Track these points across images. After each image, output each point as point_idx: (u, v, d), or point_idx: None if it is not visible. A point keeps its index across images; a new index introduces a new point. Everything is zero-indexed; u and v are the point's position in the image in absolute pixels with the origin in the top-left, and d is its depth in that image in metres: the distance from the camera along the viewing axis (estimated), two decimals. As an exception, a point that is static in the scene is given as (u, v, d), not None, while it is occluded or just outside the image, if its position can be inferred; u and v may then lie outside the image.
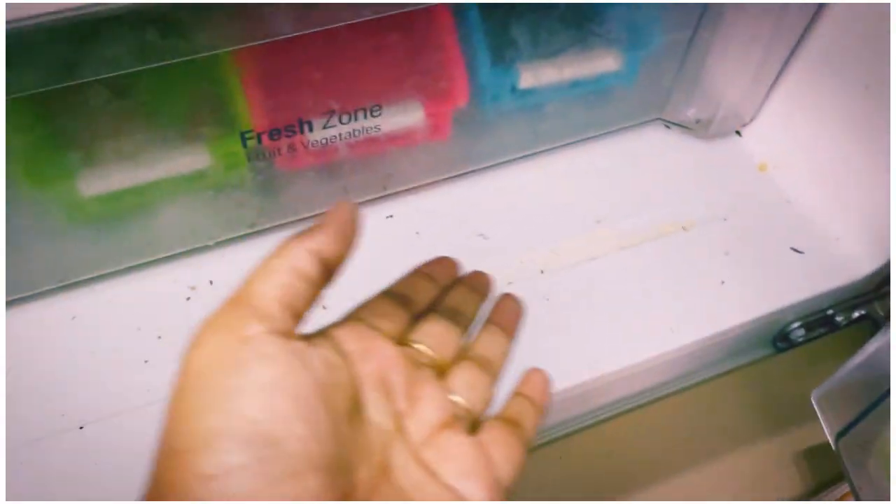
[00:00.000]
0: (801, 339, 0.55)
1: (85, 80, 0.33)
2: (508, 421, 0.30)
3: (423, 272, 0.35)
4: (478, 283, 0.36)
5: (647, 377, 0.52)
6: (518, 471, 0.29)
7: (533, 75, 0.51)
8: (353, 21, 0.36)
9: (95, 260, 0.48)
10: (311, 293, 0.26)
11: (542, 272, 0.52)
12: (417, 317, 0.32)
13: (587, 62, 0.52)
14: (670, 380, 0.54)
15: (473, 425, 0.30)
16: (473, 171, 0.57)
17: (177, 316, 0.49)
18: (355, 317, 0.30)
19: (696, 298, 0.52)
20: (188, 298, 0.49)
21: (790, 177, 0.58)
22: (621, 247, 0.54)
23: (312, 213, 0.53)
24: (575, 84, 0.53)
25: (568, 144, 0.59)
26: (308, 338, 0.26)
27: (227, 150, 0.44)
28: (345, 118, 0.45)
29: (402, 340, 0.30)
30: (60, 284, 0.48)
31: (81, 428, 0.44)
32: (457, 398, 0.30)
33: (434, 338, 0.31)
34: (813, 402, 0.40)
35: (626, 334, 0.50)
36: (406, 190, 0.55)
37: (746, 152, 0.59)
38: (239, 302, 0.25)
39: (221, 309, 0.25)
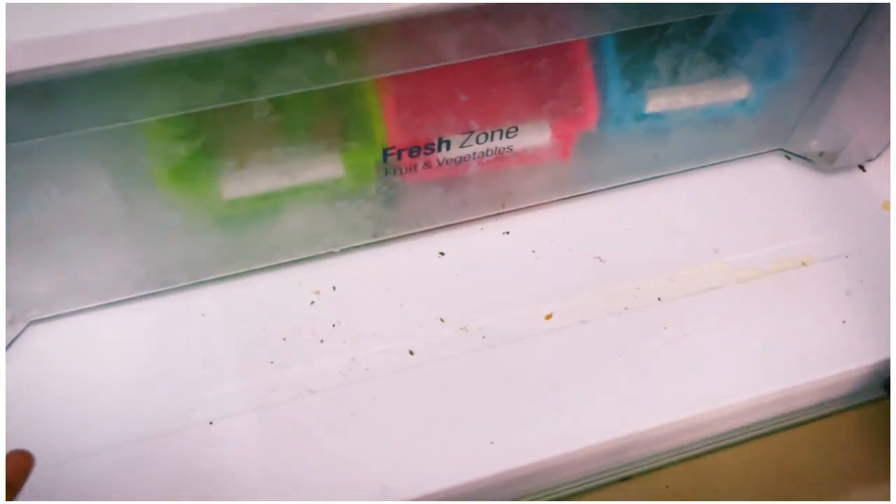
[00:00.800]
0: (917, 385, 0.54)
1: (259, 98, 0.34)
2: None
3: None
4: None
5: (761, 412, 0.51)
6: None
7: (661, 101, 0.51)
8: (516, 50, 0.36)
9: (226, 260, 0.50)
10: None
11: (659, 300, 0.52)
12: None
13: (717, 90, 0.51)
14: (781, 415, 0.53)
15: None
16: (591, 193, 0.56)
17: (301, 318, 0.50)
18: None
19: (816, 337, 0.51)
20: (312, 302, 0.51)
21: (916, 217, 0.56)
22: (739, 279, 0.53)
23: (433, 226, 0.54)
24: (700, 111, 0.53)
25: (686, 170, 0.58)
26: None
27: (365, 164, 0.45)
28: (482, 138, 0.46)
29: None
30: (192, 282, 0.50)
31: (211, 423, 0.46)
32: None
33: None
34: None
35: (744, 369, 0.49)
36: (524, 208, 0.55)
37: (870, 189, 0.58)
38: None
39: None
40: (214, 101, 0.34)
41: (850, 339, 0.51)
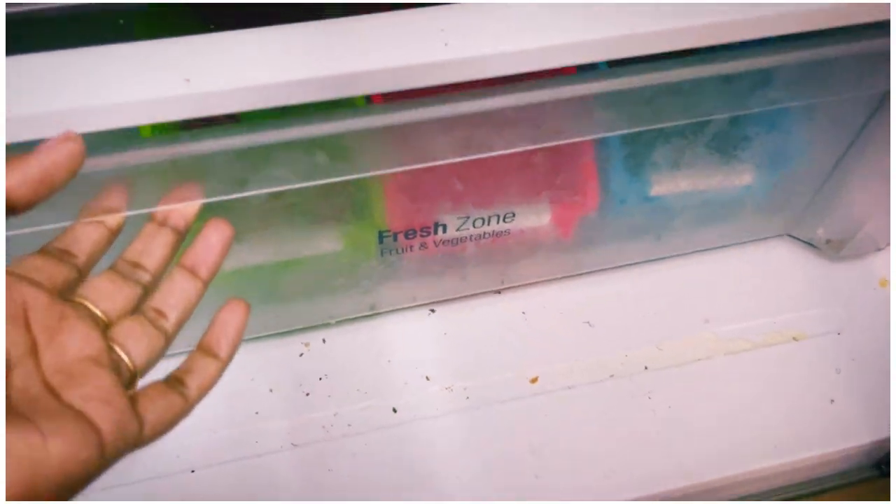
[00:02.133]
0: (908, 467, 0.54)
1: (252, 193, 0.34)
2: (170, 379, 0.29)
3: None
4: (169, 216, 0.31)
5: (744, 487, 0.51)
6: (164, 424, 0.28)
7: (665, 186, 0.50)
8: (509, 151, 0.36)
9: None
10: None
11: (646, 368, 0.52)
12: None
13: (720, 179, 0.50)
14: (766, 491, 0.53)
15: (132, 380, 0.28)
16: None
17: (289, 371, 0.51)
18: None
19: (802, 415, 0.51)
20: (301, 355, 0.51)
21: (913, 296, 0.56)
22: (728, 351, 0.53)
23: (430, 301, 0.54)
24: (703, 198, 0.52)
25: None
26: None
27: (362, 244, 0.45)
28: (478, 222, 0.45)
29: (65, 298, 0.28)
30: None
31: (193, 472, 0.47)
32: (118, 349, 0.28)
33: (98, 292, 0.29)
34: None
35: (727, 444, 0.50)
36: (523, 285, 0.55)
37: (868, 265, 0.57)
38: None
39: None
40: (208, 195, 0.34)
41: (838, 419, 0.51)
